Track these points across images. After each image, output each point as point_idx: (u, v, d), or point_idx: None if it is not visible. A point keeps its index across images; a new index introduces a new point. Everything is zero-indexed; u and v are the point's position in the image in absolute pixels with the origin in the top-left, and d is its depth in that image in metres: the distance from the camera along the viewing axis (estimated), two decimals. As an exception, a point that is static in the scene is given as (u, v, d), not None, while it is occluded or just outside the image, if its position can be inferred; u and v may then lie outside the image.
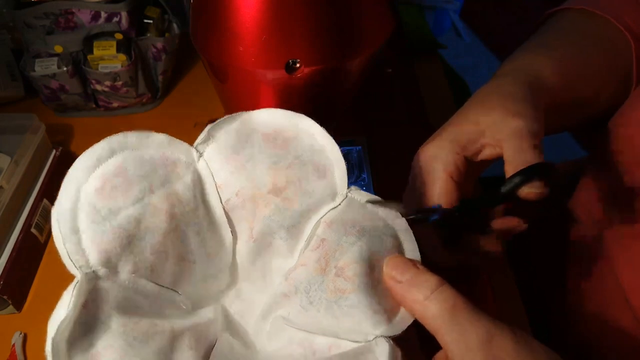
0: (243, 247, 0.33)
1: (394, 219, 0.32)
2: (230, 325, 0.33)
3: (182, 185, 0.31)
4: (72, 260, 0.27)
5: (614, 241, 0.45)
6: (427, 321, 0.27)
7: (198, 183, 0.32)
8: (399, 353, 0.26)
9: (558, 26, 0.48)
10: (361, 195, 0.32)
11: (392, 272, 0.29)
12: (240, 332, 0.33)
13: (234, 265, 0.34)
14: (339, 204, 0.32)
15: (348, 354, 0.27)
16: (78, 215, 0.27)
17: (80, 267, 0.27)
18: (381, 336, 0.27)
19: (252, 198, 0.32)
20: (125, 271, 0.28)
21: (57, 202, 0.27)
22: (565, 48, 0.44)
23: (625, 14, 0.45)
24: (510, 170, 0.33)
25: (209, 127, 0.33)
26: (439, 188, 0.35)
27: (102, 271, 0.27)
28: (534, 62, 0.41)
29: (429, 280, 0.27)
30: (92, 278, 0.27)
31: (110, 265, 0.27)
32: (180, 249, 0.31)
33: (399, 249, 0.30)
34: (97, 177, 0.28)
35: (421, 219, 0.33)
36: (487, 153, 0.36)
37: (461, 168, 0.35)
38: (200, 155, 0.33)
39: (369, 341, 0.27)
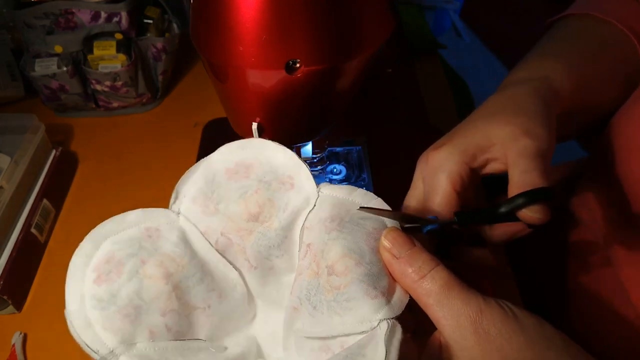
0: (249, 277, 0.35)
1: (370, 201, 0.32)
2: (261, 352, 0.35)
3: (170, 244, 0.33)
4: (91, 349, 0.29)
5: (615, 240, 0.46)
6: (421, 299, 0.28)
7: (184, 238, 0.34)
8: (398, 331, 0.27)
9: (564, 32, 0.48)
10: (332, 189, 0.34)
11: (389, 246, 0.29)
12: (273, 355, 0.35)
13: (250, 295, 0.36)
14: (314, 205, 0.33)
15: (352, 347, 0.28)
16: (86, 311, 0.29)
17: (98, 351, 0.29)
18: (384, 319, 0.28)
19: (235, 233, 0.34)
20: (142, 340, 0.30)
21: (66, 305, 0.30)
22: (573, 54, 0.44)
23: (628, 16, 0.45)
24: (513, 190, 0.32)
25: (176, 185, 0.35)
26: (440, 198, 0.35)
27: (119, 349, 0.29)
28: (545, 69, 0.41)
29: (426, 259, 0.28)
30: (111, 359, 0.29)
31: (127, 340, 0.29)
32: (188, 302, 0.32)
33: (383, 227, 0.31)
34: (91, 272, 0.30)
35: (416, 228, 0.33)
36: (493, 167, 0.36)
37: (465, 179, 0.35)
38: (178, 213, 0.35)
39: (374, 328, 0.28)
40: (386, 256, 0.30)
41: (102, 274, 0.30)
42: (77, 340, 0.29)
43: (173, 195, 0.35)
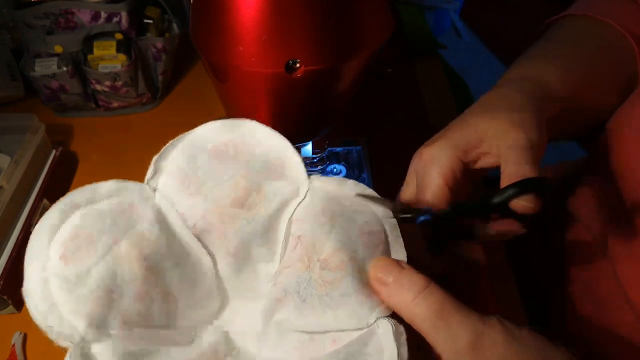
0: (224, 265, 0.33)
1: (362, 192, 0.32)
2: (232, 344, 0.33)
3: (146, 223, 0.30)
4: (60, 334, 0.26)
5: (614, 239, 0.46)
6: (415, 323, 0.27)
7: (161, 217, 0.32)
8: (402, 329, 0.26)
9: (561, 33, 0.48)
10: (323, 182, 0.32)
11: (378, 274, 0.28)
12: (245, 348, 0.33)
13: (220, 285, 0.34)
14: (305, 196, 0.32)
15: (352, 343, 0.27)
16: (51, 291, 0.26)
17: (72, 336, 0.26)
18: (381, 317, 0.27)
19: (218, 217, 0.32)
20: (115, 327, 0.27)
21: (24, 283, 0.26)
22: (569, 55, 0.44)
23: (627, 18, 0.45)
24: (505, 181, 0.33)
25: (154, 159, 0.33)
26: (431, 192, 0.35)
27: (91, 336, 0.26)
28: (539, 70, 0.41)
29: (416, 281, 0.27)
30: (84, 346, 0.26)
31: (98, 326, 0.27)
32: (162, 287, 0.30)
33: (374, 220, 0.31)
34: (56, 246, 0.27)
35: (410, 219, 0.33)
36: (486, 161, 0.36)
37: (458, 174, 0.35)
38: (155, 189, 0.32)
39: (370, 325, 0.27)
40: (375, 284, 0.28)
41: (70, 251, 0.27)
42: (39, 324, 0.26)
43: (150, 170, 0.32)
